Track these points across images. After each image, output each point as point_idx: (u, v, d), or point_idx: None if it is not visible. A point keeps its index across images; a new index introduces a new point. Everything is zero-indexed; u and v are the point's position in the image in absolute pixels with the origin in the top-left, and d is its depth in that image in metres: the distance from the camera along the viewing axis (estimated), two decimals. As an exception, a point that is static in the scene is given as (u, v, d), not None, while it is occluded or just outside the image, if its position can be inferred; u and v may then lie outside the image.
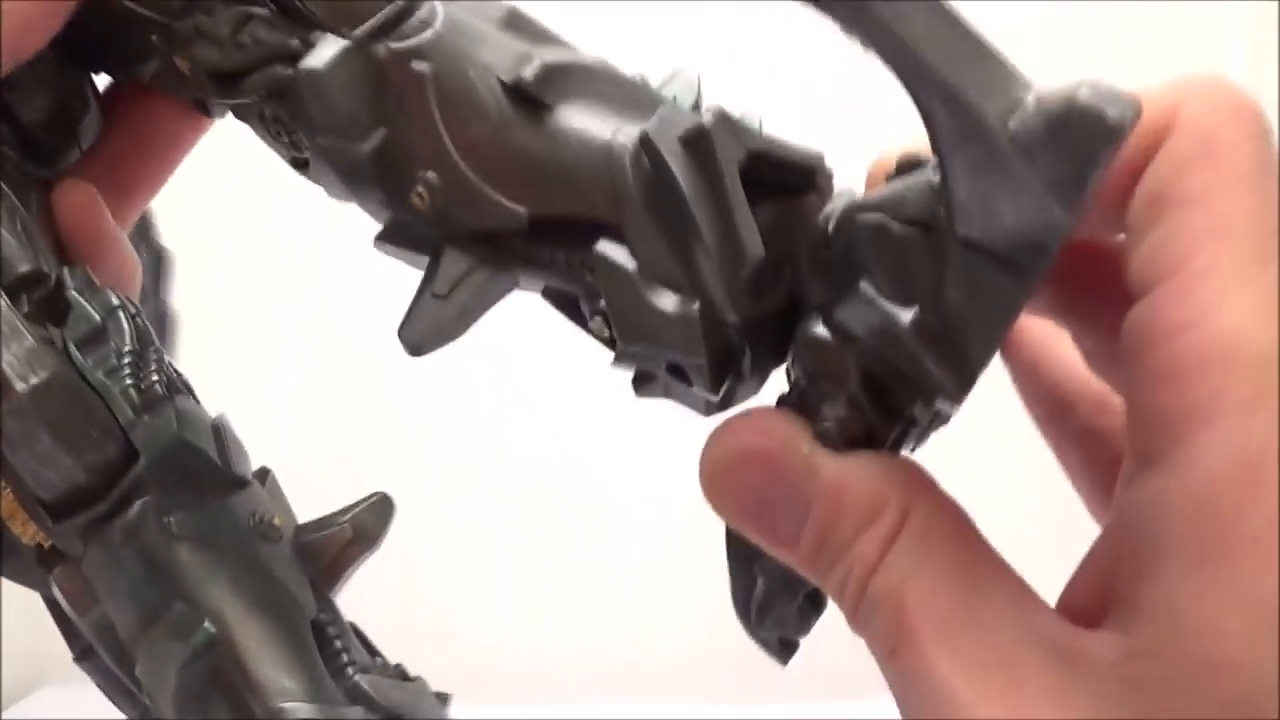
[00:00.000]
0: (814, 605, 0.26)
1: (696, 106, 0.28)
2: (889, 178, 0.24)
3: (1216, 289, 0.20)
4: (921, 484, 0.23)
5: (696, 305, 0.23)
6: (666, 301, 0.24)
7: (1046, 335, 0.28)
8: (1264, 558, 0.19)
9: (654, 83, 0.28)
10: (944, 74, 0.20)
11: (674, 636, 0.90)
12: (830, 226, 0.24)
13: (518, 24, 0.27)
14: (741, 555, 0.26)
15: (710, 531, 0.26)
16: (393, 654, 0.29)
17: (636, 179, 0.24)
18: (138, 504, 0.26)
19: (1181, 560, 0.19)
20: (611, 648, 0.91)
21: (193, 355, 0.28)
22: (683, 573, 0.87)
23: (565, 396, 0.90)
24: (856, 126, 0.54)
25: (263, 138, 0.28)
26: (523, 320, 0.29)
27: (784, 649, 0.26)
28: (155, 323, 0.33)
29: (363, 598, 0.29)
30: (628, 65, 0.27)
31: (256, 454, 0.29)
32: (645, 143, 0.23)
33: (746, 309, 0.23)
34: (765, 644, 0.26)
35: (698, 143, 0.23)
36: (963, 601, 0.21)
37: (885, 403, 0.23)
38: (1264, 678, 0.19)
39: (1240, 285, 0.20)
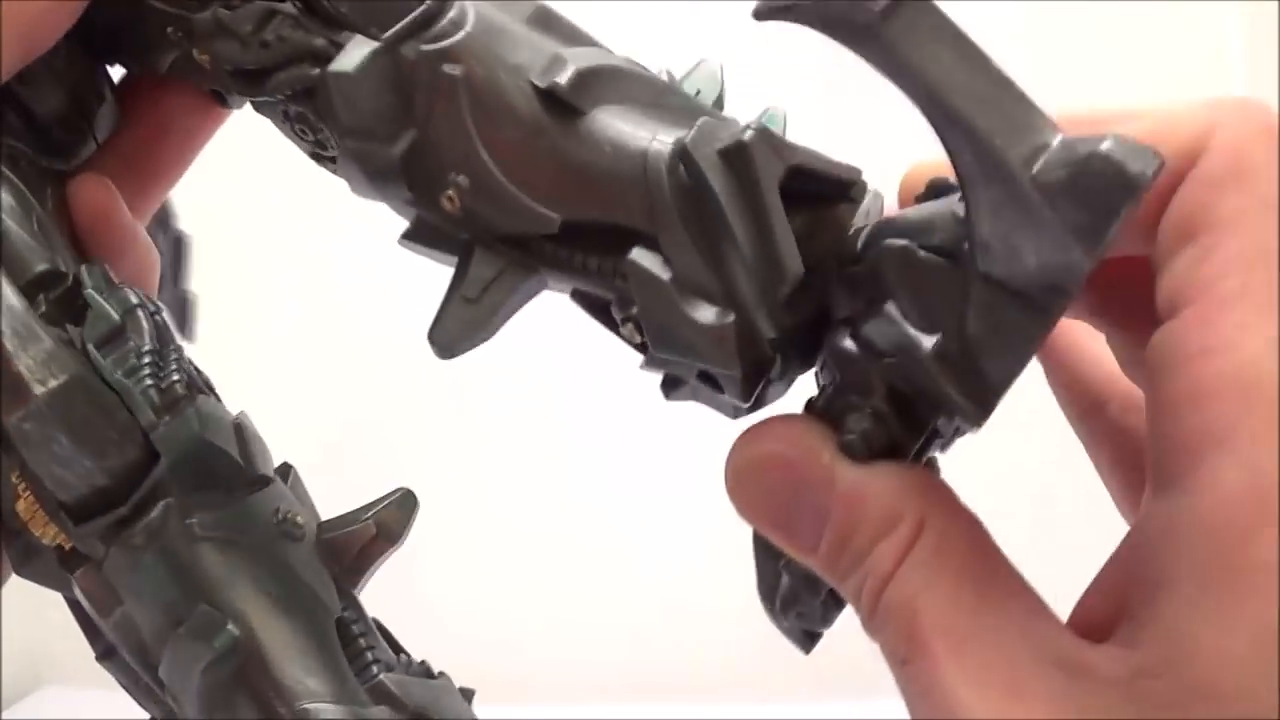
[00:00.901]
0: (836, 601, 0.26)
1: (720, 100, 0.28)
2: (918, 198, 0.24)
3: (1240, 317, 0.20)
4: (939, 496, 0.23)
5: (732, 318, 0.23)
6: (702, 313, 0.23)
7: (1081, 334, 0.29)
8: (1270, 587, 0.19)
9: (678, 74, 0.28)
10: (970, 116, 0.20)
11: (678, 636, 0.90)
12: (860, 242, 0.24)
13: (547, 21, 0.26)
14: (767, 551, 0.26)
15: (720, 528, 0.26)
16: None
17: (673, 189, 0.24)
18: (159, 506, 0.25)
19: (1191, 584, 0.20)
20: (616, 646, 0.91)
21: (210, 350, 0.28)
22: (688, 572, 0.89)
23: (576, 394, 0.90)
24: (868, 113, 0.53)
25: (284, 132, 0.28)
26: (534, 313, 0.29)
27: (807, 639, 0.27)
28: (175, 308, 0.33)
29: (368, 597, 0.29)
30: (649, 60, 0.27)
31: (274, 447, 0.29)
32: (684, 155, 0.23)
33: (783, 324, 0.23)
34: (789, 633, 0.27)
35: (737, 157, 0.23)
36: (973, 615, 0.21)
37: (909, 416, 0.24)
38: (1264, 705, 0.19)
39: (1264, 315, 0.20)
